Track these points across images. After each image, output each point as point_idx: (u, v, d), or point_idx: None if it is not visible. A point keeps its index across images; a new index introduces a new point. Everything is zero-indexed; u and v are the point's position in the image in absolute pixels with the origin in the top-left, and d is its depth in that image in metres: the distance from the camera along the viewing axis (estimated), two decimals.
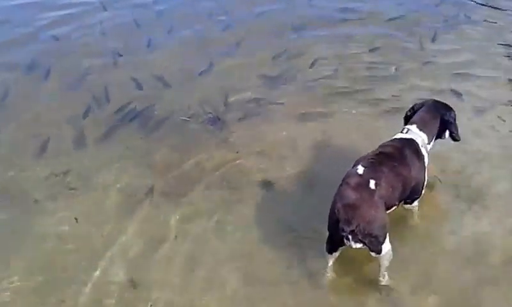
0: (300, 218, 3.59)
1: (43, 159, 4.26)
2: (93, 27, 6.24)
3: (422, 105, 3.61)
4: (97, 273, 3.30)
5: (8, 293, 3.21)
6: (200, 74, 5.33)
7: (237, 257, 3.40)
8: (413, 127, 3.45)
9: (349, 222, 2.84)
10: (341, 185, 3.07)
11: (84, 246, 3.50)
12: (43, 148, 4.35)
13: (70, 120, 4.70)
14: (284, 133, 4.43)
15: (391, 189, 3.10)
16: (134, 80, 5.21)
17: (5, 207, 3.82)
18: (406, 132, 3.45)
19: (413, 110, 3.61)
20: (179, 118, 4.69)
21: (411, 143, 3.37)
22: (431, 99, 3.71)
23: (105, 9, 6.61)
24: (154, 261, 3.40)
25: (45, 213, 3.75)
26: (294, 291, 3.18)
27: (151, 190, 3.90)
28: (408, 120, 3.59)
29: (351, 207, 2.89)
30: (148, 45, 5.83)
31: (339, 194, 3.00)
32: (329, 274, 3.20)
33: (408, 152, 3.30)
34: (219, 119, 4.66)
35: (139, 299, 3.16)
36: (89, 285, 3.23)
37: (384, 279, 3.13)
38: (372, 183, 2.98)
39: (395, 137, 3.46)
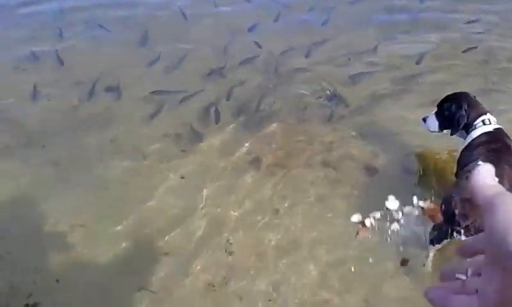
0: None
1: (159, 119, 4.40)
2: None
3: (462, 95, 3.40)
4: (197, 232, 3.38)
5: (119, 241, 3.34)
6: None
7: (331, 239, 3.30)
8: (489, 116, 3.26)
9: (465, 217, 2.69)
10: (461, 178, 2.94)
11: (186, 206, 3.57)
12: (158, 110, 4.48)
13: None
14: (401, 121, 4.21)
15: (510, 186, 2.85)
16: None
17: (117, 159, 3.99)
18: (489, 123, 3.22)
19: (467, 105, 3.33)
20: (297, 90, 4.68)
21: (503, 133, 3.20)
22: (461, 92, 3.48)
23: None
24: (251, 228, 3.40)
25: (154, 170, 3.88)
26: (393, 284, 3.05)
27: (257, 161, 3.90)
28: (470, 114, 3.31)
29: (470, 202, 2.65)
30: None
31: (458, 187, 2.87)
32: (429, 267, 3.02)
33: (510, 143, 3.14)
34: (335, 95, 4.56)
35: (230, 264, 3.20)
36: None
37: None
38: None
39: (486, 130, 3.20)
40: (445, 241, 2.90)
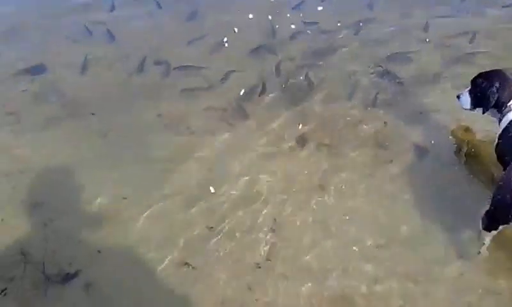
0: (452, 193, 3.31)
1: (206, 94, 4.34)
2: None
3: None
4: (242, 209, 3.30)
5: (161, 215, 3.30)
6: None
7: (378, 225, 3.17)
8: None
9: None
10: None
11: (230, 181, 3.49)
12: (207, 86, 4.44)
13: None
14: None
15: None
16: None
17: (164, 133, 3.96)
18: None
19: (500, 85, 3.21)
20: (348, 67, 4.55)
21: None
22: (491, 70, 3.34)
23: None
24: (295, 205, 3.31)
25: (200, 144, 3.81)
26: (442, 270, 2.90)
27: (303, 138, 3.80)
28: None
29: None
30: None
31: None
32: (484, 253, 2.89)
33: None
34: (388, 72, 4.42)
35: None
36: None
37: None
38: None
39: None
40: (502, 227, 2.77)
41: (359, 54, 4.74)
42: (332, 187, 3.41)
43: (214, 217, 3.26)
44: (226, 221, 3.23)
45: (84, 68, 4.74)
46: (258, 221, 3.21)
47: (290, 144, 3.78)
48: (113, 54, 4.92)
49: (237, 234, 3.15)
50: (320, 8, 5.46)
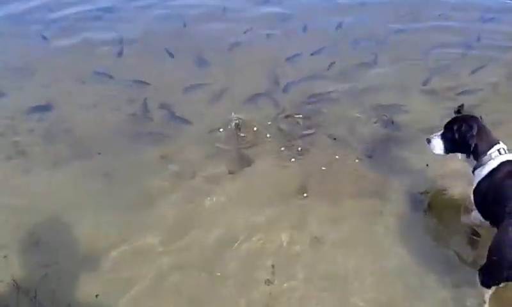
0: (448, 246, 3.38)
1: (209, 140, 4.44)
2: None
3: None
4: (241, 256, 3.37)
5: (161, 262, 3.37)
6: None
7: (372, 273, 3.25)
8: (502, 144, 3.17)
9: None
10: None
11: (229, 230, 3.54)
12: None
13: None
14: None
15: None
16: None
17: (166, 175, 4.04)
18: (505, 153, 3.13)
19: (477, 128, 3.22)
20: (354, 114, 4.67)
21: None
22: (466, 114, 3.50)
23: None
24: (293, 257, 3.36)
25: (200, 190, 3.89)
26: None
27: (303, 187, 3.88)
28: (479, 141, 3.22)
29: None
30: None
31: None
32: None
33: None
34: (392, 122, 4.54)
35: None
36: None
37: None
38: None
39: (508, 158, 3.10)
40: (503, 284, 2.78)
41: (363, 101, 4.86)
42: (328, 240, 3.46)
43: (210, 263, 3.32)
44: (220, 268, 3.29)
45: (93, 107, 4.90)
46: (255, 269, 3.28)
47: (289, 192, 3.85)
48: (120, 96, 5.07)
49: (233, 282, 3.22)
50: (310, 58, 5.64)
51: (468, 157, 3.28)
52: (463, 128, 3.23)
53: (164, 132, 4.55)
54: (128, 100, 5.01)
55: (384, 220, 3.59)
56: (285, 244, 3.45)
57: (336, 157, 4.18)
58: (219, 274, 3.26)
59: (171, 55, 5.74)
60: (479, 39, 5.87)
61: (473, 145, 3.18)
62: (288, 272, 3.26)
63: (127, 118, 4.77)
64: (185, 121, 4.67)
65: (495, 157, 3.10)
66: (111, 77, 5.37)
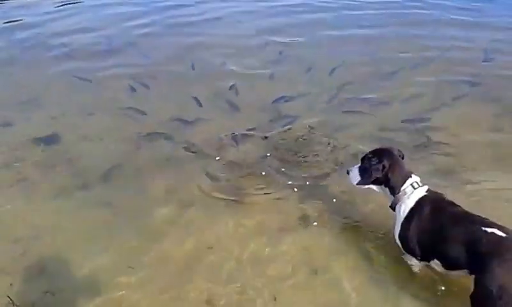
0: None
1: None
2: None
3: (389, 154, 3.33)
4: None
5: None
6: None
7: None
8: (415, 177, 3.22)
9: None
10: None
11: (230, 260, 3.55)
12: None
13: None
14: None
15: None
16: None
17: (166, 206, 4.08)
18: (418, 186, 3.18)
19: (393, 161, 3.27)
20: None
21: (437, 193, 3.21)
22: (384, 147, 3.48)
23: None
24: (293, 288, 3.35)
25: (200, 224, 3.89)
26: None
27: (305, 217, 3.90)
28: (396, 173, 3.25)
29: None
30: None
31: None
32: None
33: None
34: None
35: None
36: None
37: None
38: None
39: (422, 195, 3.14)
40: None
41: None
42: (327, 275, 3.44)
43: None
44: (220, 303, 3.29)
45: (98, 139, 5.00)
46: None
47: (292, 221, 3.87)
48: (126, 127, 5.20)
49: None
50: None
51: (384, 191, 3.32)
52: (373, 160, 3.27)
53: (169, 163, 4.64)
54: (134, 131, 5.13)
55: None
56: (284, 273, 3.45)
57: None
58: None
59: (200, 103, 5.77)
60: None
61: (374, 177, 3.25)
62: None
63: (132, 148, 4.88)
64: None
65: (410, 193, 3.16)
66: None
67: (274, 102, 5.63)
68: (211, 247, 3.67)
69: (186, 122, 5.27)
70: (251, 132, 5.04)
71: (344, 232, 3.76)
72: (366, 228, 3.77)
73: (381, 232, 3.66)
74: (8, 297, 3.26)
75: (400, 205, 3.19)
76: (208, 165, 4.55)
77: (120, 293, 3.35)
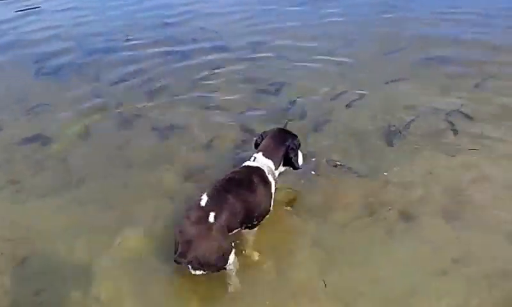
0: None
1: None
2: None
3: (269, 132, 3.78)
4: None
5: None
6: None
7: None
8: (259, 155, 3.62)
9: (184, 256, 3.03)
10: (184, 216, 3.20)
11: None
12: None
13: None
14: None
15: (234, 216, 3.28)
16: None
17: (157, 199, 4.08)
18: (254, 160, 3.60)
19: (261, 138, 3.78)
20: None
21: (258, 171, 3.53)
22: (277, 127, 3.89)
23: None
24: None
25: None
26: None
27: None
28: (256, 147, 3.76)
29: (188, 242, 3.06)
30: None
31: (180, 228, 3.17)
32: None
33: (255, 179, 3.46)
34: (400, 132, 4.71)
35: None
36: None
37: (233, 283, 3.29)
38: (211, 216, 3.15)
39: (244, 164, 3.61)
40: None
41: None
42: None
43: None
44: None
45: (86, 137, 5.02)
46: None
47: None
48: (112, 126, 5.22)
49: None
50: None
51: None
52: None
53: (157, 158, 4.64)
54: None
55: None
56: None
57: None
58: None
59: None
60: None
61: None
62: None
63: (117, 143, 4.90)
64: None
65: (247, 161, 3.68)
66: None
67: None
68: None
69: None
70: None
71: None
72: None
73: None
74: None
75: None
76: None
77: (111, 289, 3.37)
